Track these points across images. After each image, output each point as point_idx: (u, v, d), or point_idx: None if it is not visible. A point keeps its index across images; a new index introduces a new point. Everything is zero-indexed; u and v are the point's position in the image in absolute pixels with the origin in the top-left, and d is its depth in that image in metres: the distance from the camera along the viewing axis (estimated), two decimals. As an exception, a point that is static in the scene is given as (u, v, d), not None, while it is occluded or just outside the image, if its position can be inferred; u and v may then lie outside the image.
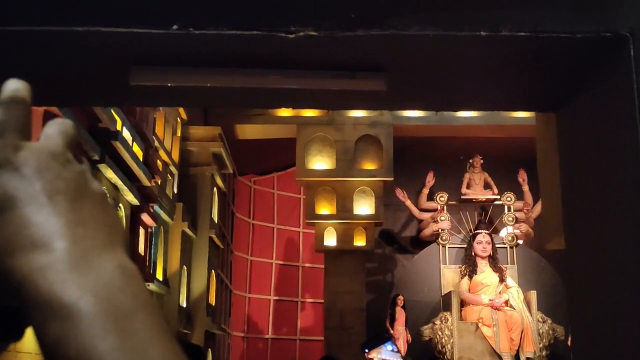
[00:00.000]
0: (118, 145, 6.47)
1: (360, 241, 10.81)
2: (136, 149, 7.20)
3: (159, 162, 8.58)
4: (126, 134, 6.86)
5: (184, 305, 9.68)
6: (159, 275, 8.89)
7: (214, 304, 10.66)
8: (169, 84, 2.55)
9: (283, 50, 2.38)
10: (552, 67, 2.29)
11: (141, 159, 7.34)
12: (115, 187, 6.95)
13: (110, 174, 6.57)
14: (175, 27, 2.31)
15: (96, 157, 6.11)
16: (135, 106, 6.90)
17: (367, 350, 9.56)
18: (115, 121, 6.51)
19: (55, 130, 0.54)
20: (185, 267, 9.79)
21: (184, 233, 9.63)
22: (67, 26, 2.37)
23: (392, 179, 10.67)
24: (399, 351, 9.59)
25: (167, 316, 8.51)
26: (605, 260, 2.29)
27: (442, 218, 10.65)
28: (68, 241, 0.48)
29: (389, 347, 9.56)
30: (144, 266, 8.03)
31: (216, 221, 10.76)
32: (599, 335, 2.34)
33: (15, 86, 0.53)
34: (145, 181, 7.54)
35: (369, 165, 10.74)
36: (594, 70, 2.24)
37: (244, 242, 13.69)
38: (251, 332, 13.62)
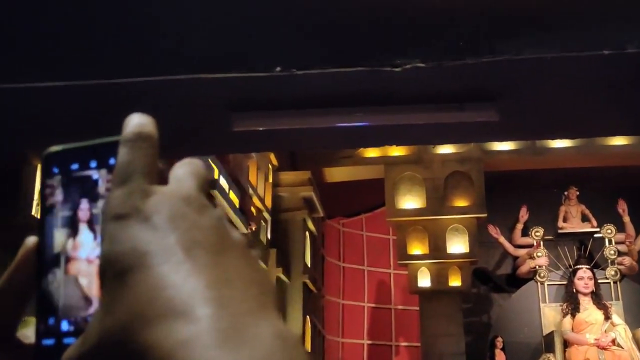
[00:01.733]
0: (216, 194, 6.58)
1: (455, 281, 10.53)
2: (232, 196, 7.33)
3: (253, 208, 8.69)
4: (223, 182, 7.00)
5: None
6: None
7: (309, 351, 10.56)
8: (273, 128, 2.51)
9: (388, 85, 2.31)
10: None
11: (237, 206, 7.46)
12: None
13: (210, 223, 6.70)
14: (278, 69, 2.28)
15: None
16: (238, 153, 7.04)
17: None
18: (212, 170, 6.64)
19: (185, 172, 0.46)
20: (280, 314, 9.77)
21: (278, 279, 9.62)
22: (169, 75, 2.37)
23: (485, 215, 10.40)
24: None
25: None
26: None
27: (539, 254, 10.32)
28: (213, 306, 0.39)
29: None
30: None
31: (309, 266, 10.72)
32: None
33: (139, 121, 0.45)
34: (243, 228, 7.65)
35: (461, 202, 10.52)
36: None
37: (335, 286, 13.59)
38: (346, 378, 13.41)
